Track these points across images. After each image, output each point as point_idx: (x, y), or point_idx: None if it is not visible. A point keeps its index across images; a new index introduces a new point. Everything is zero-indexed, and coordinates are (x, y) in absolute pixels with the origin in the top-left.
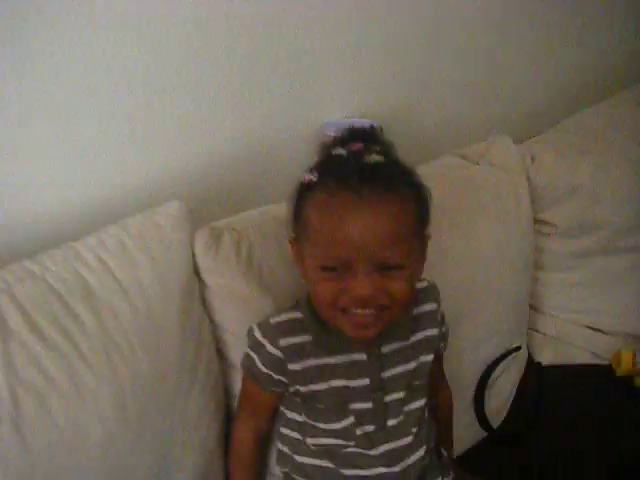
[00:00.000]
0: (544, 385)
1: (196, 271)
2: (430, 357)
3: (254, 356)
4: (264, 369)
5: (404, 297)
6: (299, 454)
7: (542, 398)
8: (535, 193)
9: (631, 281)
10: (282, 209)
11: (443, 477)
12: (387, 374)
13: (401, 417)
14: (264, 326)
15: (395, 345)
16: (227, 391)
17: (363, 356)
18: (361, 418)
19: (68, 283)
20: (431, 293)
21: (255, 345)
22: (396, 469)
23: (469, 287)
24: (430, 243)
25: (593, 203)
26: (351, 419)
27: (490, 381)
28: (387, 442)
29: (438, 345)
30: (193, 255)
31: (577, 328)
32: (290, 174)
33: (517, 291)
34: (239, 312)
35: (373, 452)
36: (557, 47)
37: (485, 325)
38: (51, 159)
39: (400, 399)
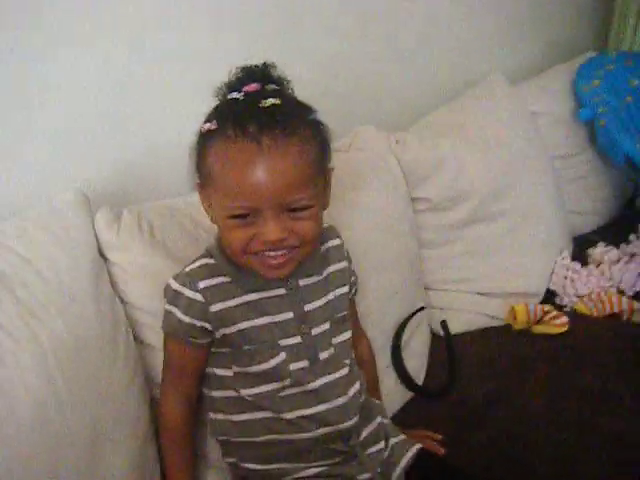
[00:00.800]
0: (452, 341)
1: (101, 252)
2: (345, 289)
3: (174, 310)
4: (186, 319)
5: (313, 235)
6: (235, 413)
7: (454, 351)
8: (405, 172)
9: (506, 244)
10: (176, 201)
11: (382, 417)
12: (309, 307)
13: (331, 350)
14: (180, 276)
15: (310, 280)
16: (147, 376)
17: (282, 291)
18: (292, 354)
19: None
20: (333, 231)
21: (174, 297)
22: (338, 402)
23: (365, 254)
24: (325, 215)
25: (458, 174)
26: (282, 356)
27: (403, 343)
28: (322, 376)
29: (349, 278)
30: (95, 237)
31: (468, 296)
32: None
33: (408, 254)
34: (149, 286)
35: (310, 387)
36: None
37: (386, 288)
38: None
39: (327, 331)
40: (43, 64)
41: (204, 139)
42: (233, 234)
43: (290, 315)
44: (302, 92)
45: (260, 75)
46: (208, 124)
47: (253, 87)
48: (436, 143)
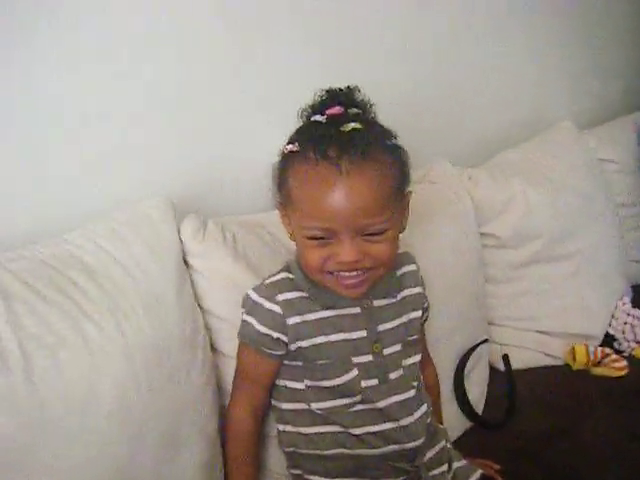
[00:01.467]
0: (512, 374)
1: (185, 259)
2: (418, 314)
3: (251, 320)
4: (263, 329)
5: (388, 258)
6: (305, 425)
7: (514, 384)
8: (476, 207)
9: (569, 285)
10: (257, 217)
11: (447, 441)
12: (382, 327)
13: (401, 371)
14: (259, 288)
15: (385, 301)
16: (219, 384)
17: (357, 310)
18: (364, 371)
19: (62, 259)
20: (409, 257)
21: (252, 308)
22: (403, 422)
23: (433, 282)
24: (403, 243)
25: (527, 214)
26: (354, 372)
27: (466, 372)
28: (391, 395)
29: (422, 304)
30: (181, 243)
31: (528, 334)
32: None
33: (475, 286)
34: (229, 295)
35: (380, 405)
36: None
37: (452, 317)
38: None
39: (398, 352)
40: (127, 79)
41: (286, 160)
42: (310, 253)
43: (364, 334)
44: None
45: (344, 98)
46: (290, 145)
47: (336, 110)
48: (507, 182)
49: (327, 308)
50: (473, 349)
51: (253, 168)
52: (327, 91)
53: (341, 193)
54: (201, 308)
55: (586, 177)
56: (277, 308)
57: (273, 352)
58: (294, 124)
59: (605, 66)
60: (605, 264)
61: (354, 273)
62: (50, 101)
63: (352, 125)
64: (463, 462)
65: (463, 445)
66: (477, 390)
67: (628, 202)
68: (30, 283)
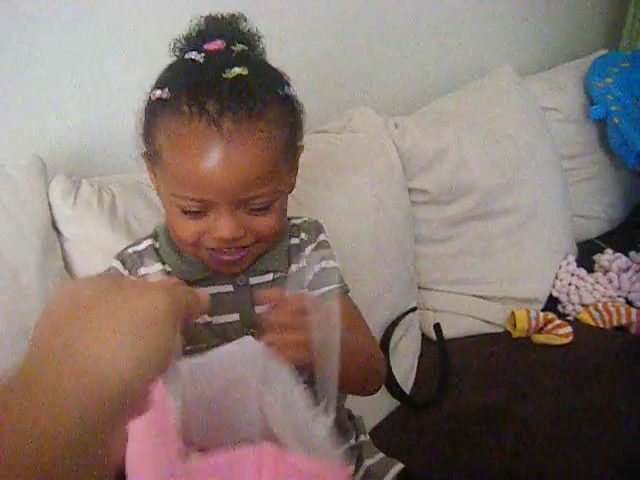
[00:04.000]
0: (445, 346)
1: (54, 224)
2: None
3: None
4: None
5: (273, 232)
6: None
7: (447, 358)
8: (403, 159)
9: (507, 244)
10: (143, 175)
11: (359, 435)
12: (259, 309)
13: None
14: (121, 256)
15: (264, 278)
16: None
17: (229, 288)
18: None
19: None
20: (308, 227)
21: None
22: None
23: (355, 243)
24: (314, 199)
25: (460, 167)
26: None
27: (392, 345)
28: None
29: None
30: (50, 207)
31: (464, 299)
32: None
33: (401, 248)
34: (106, 267)
35: None
36: None
37: (377, 282)
38: None
39: None
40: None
41: (154, 108)
42: (181, 225)
43: (236, 317)
44: (287, 64)
45: (226, 29)
46: (159, 91)
47: (216, 45)
48: (439, 131)
49: (192, 285)
50: (400, 318)
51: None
52: (206, 18)
53: (220, 160)
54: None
55: (527, 126)
56: None
57: None
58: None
59: (550, 10)
60: (548, 220)
61: (233, 250)
62: None
63: (236, 71)
64: (379, 456)
65: (386, 431)
66: (406, 364)
67: (573, 153)
68: None
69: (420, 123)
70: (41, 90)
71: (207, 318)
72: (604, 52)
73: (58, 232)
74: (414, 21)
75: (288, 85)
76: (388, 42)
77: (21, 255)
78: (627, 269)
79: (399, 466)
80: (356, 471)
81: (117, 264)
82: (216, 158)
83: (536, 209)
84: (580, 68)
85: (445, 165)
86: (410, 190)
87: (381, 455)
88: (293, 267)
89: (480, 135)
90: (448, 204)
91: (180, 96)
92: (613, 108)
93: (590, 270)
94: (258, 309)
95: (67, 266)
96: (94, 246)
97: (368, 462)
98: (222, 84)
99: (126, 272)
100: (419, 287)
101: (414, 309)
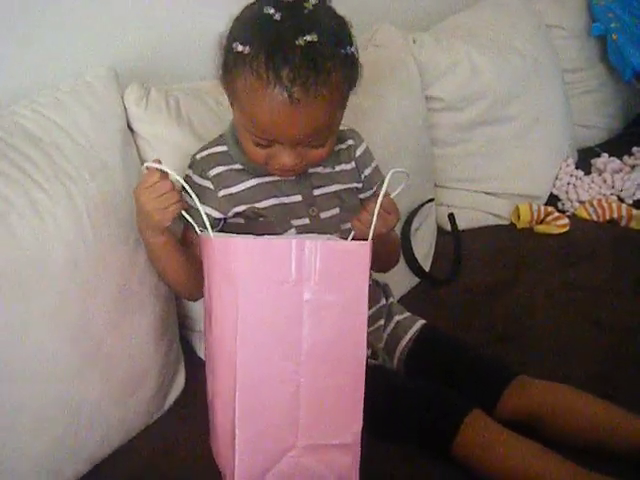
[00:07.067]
0: (458, 232)
1: (129, 126)
2: (354, 185)
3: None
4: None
5: (325, 158)
6: None
7: (460, 241)
8: (421, 70)
9: (514, 147)
10: (202, 84)
11: (388, 298)
12: (317, 192)
13: (338, 235)
14: (192, 163)
15: (319, 169)
16: None
17: (291, 177)
18: (302, 234)
19: (7, 129)
20: (352, 134)
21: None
22: None
23: (379, 143)
24: (351, 106)
25: (472, 76)
26: (292, 232)
27: (412, 231)
28: None
29: (360, 177)
30: (125, 110)
31: (474, 195)
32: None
33: (420, 148)
34: (174, 160)
35: None
36: None
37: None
38: None
39: (336, 216)
40: None
41: (235, 59)
42: (252, 148)
43: (299, 198)
44: None
45: None
46: (241, 46)
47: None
48: (452, 45)
49: (262, 176)
50: (419, 208)
51: (199, 38)
52: None
53: (288, 117)
54: None
55: (533, 40)
56: (208, 183)
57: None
58: None
59: None
60: (551, 127)
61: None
62: None
63: (307, 39)
64: (406, 315)
65: (409, 301)
66: (424, 248)
67: (575, 67)
68: None
69: (436, 38)
70: (111, 10)
71: (275, 200)
72: None
73: (132, 131)
74: None
75: (351, 44)
76: None
77: (108, 150)
78: (619, 170)
79: (423, 321)
80: (387, 324)
81: (189, 172)
82: (284, 116)
83: (539, 115)
84: None
85: (458, 75)
86: (427, 98)
87: (408, 313)
88: (341, 166)
89: (490, 48)
90: (461, 110)
91: (259, 56)
92: (612, 25)
93: (587, 172)
94: (316, 191)
95: (140, 157)
96: (162, 141)
97: (397, 317)
98: (295, 51)
99: (196, 176)
100: (435, 185)
101: (432, 200)
